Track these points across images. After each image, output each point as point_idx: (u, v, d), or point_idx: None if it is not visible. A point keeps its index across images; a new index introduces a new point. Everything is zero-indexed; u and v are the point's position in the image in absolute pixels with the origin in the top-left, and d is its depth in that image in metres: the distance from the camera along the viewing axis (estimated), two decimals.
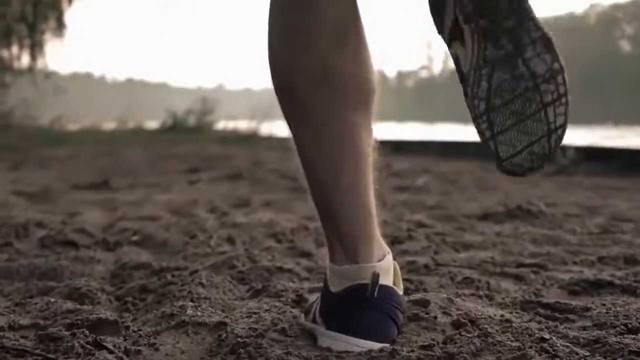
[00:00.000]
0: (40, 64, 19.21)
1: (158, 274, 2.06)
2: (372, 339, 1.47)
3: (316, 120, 1.57)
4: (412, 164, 7.44)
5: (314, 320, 1.58)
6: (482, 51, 1.55)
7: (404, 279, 1.70)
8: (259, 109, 14.76)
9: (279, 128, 14.47)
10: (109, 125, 18.40)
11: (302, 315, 1.64)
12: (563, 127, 1.55)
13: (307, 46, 1.55)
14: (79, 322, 1.54)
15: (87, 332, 1.44)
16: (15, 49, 19.11)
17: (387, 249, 1.62)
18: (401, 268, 1.84)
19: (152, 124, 17.81)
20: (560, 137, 1.55)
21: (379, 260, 1.55)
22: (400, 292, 1.58)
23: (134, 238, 2.64)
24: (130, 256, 2.34)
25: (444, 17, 1.59)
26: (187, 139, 13.55)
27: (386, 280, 1.54)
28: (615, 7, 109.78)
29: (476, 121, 1.55)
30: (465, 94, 1.56)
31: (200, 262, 2.21)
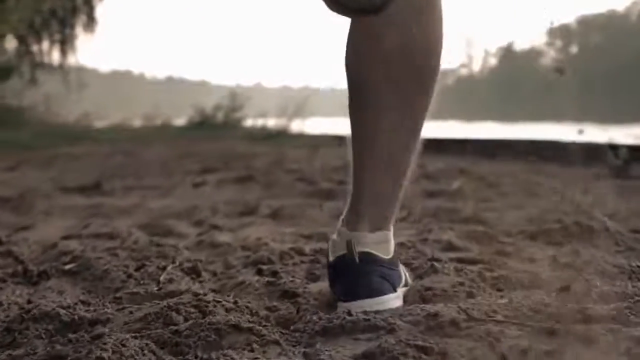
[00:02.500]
0: (71, 59, 18.86)
1: (58, 333, 1.42)
2: (367, 297, 1.56)
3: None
4: (447, 165, 6.75)
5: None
6: None
7: (416, 344, 1.31)
8: (291, 105, 14.18)
9: (310, 125, 13.96)
10: (138, 122, 17.94)
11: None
12: None
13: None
14: None
15: None
16: (45, 44, 18.78)
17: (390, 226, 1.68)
18: (417, 324, 1.44)
19: (183, 121, 17.31)
20: None
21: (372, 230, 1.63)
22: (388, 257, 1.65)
23: (68, 267, 1.99)
24: (46, 297, 1.70)
25: None
26: (214, 136, 12.97)
27: (375, 249, 1.62)
28: None
29: None
30: None
31: (128, 311, 1.55)
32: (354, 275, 1.59)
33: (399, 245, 2.17)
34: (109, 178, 5.46)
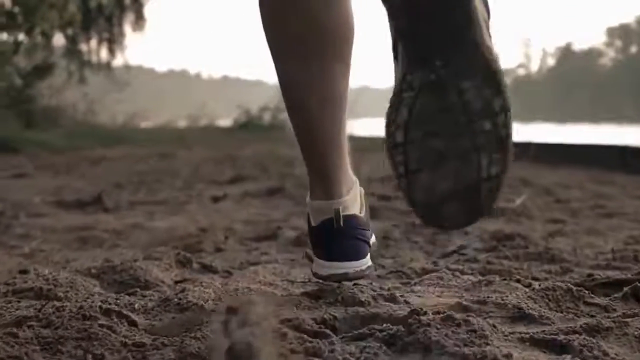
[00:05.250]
0: (119, 58, 18.53)
1: None
2: (349, 260, 1.71)
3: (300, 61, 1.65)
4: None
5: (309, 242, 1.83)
6: (407, 72, 1.43)
7: None
8: None
9: (360, 127, 13.27)
10: (183, 123, 17.48)
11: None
12: (498, 179, 1.41)
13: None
14: None
15: None
16: (94, 42, 18.44)
17: (353, 179, 1.79)
18: None
19: (229, 122, 16.81)
20: (494, 191, 1.41)
21: (347, 194, 1.73)
22: (363, 213, 1.79)
23: None
24: None
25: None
26: (258, 138, 12.38)
27: (353, 208, 1.75)
28: None
29: (390, 152, 1.48)
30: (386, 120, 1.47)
31: None
32: (339, 238, 1.72)
33: (445, 317, 1.46)
34: (123, 188, 4.85)
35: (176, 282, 2.00)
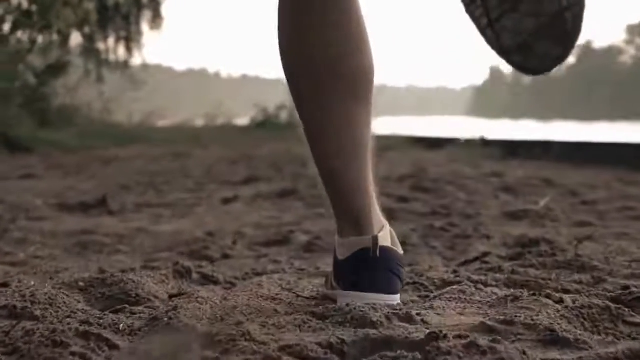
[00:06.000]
0: (138, 57, 18.41)
1: None
2: (379, 292, 1.63)
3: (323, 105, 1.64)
4: (529, 173, 5.84)
5: (332, 287, 1.75)
6: None
7: None
8: None
9: (379, 126, 13.11)
10: (200, 121, 17.36)
11: (324, 286, 1.85)
12: (579, 5, 1.46)
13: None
14: None
15: None
16: (111, 41, 18.31)
17: (384, 222, 1.72)
18: None
19: (246, 121, 16.68)
20: (579, 16, 1.46)
21: (379, 232, 1.67)
22: (400, 252, 1.72)
23: None
24: None
25: None
26: (275, 137, 12.20)
27: (385, 243, 1.67)
28: None
29: (469, 8, 1.52)
30: None
31: None
32: (373, 268, 1.65)
33: (468, 343, 1.28)
34: (130, 190, 4.68)
35: (170, 297, 1.82)
